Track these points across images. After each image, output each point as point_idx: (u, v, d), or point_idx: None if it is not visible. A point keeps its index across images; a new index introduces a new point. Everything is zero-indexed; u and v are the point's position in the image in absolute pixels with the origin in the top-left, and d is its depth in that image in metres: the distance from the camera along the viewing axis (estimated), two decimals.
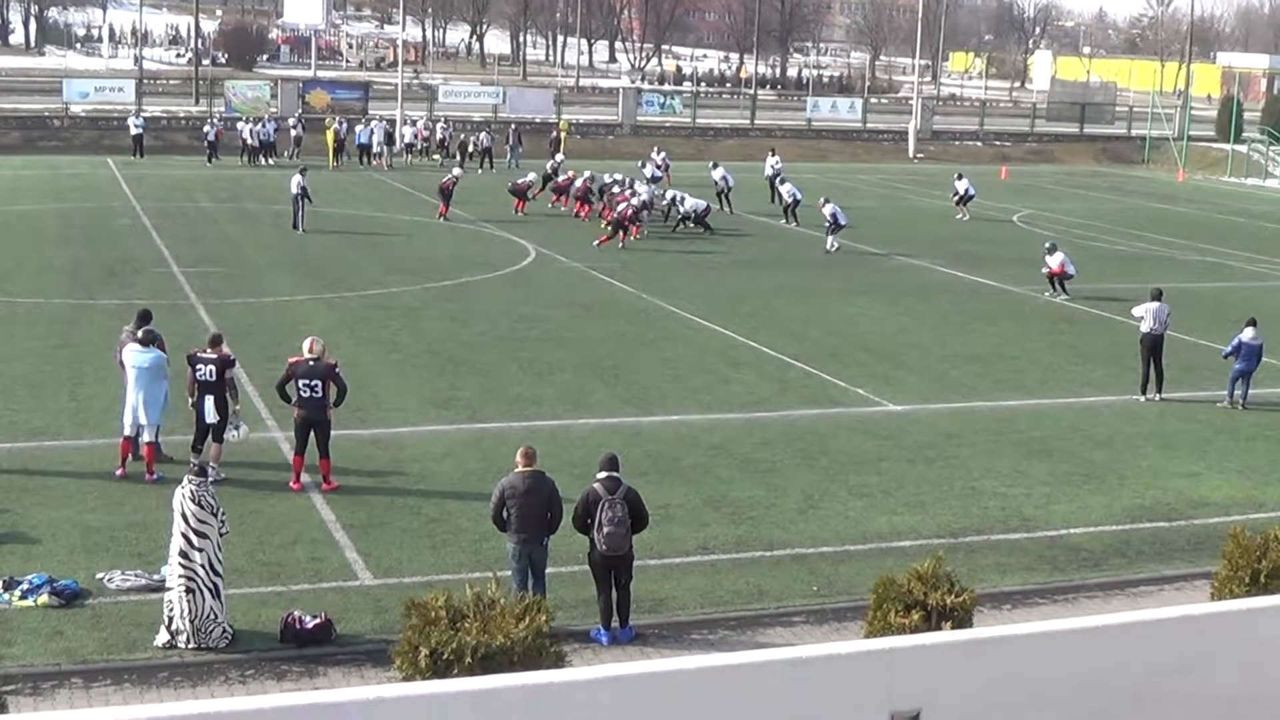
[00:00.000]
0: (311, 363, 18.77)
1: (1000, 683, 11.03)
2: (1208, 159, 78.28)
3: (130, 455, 19.26)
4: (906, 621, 13.24)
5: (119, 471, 19.12)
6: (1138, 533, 18.80)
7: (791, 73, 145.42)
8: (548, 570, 15.16)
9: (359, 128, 63.82)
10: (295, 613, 14.67)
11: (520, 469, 14.88)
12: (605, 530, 14.57)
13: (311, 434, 18.84)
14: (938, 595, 13.45)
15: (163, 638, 14.28)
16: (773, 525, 18.39)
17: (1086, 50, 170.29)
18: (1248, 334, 24.83)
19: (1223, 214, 56.90)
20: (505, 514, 14.82)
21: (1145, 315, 25.85)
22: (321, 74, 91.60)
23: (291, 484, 18.96)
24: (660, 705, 10.23)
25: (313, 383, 18.69)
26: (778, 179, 50.28)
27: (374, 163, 62.08)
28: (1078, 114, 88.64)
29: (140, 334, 19.26)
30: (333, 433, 19.07)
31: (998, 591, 16.51)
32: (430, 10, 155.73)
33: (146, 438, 19.13)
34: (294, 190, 41.90)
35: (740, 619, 15.62)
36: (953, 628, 12.98)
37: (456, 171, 47.76)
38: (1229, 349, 25.21)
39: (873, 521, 18.75)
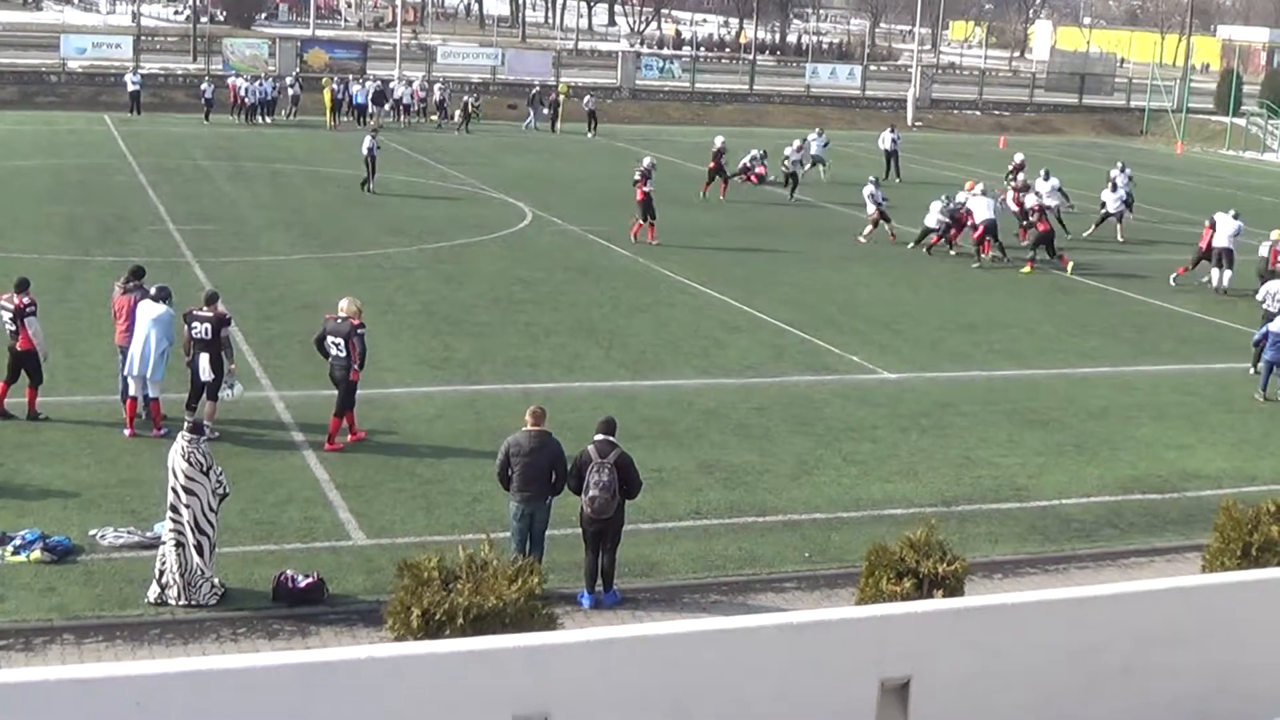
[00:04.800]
0: (339, 320, 19.07)
1: (991, 652, 11.05)
2: (1206, 131, 78.14)
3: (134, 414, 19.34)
4: (898, 589, 13.27)
5: (128, 432, 19.15)
6: (1130, 504, 18.84)
7: (791, 39, 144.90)
8: None
9: (355, 87, 63.80)
10: (288, 572, 14.70)
11: (528, 428, 14.89)
12: (590, 494, 14.58)
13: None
14: (929, 563, 13.48)
15: (154, 591, 14.31)
16: (766, 491, 18.42)
17: (1087, 21, 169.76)
18: (1278, 324, 24.33)
19: (1221, 187, 56.75)
20: (509, 472, 14.84)
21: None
22: (320, 33, 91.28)
23: (326, 446, 19.10)
24: (651, 668, 10.25)
25: (338, 340, 18.93)
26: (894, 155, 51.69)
27: (370, 122, 61.99)
28: (1077, 84, 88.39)
29: (154, 290, 19.33)
30: (329, 392, 19.16)
31: (989, 560, 16.55)
32: None
33: (152, 394, 19.17)
34: (364, 152, 41.95)
35: (732, 584, 15.65)
36: (944, 596, 13.02)
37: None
38: (1257, 336, 24.63)
39: (866, 489, 18.78)
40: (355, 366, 18.97)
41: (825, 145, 51.19)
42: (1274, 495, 16.25)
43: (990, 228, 35.20)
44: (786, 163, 45.65)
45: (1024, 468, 19.99)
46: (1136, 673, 11.41)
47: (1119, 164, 44.44)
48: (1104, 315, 30.30)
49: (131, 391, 19.26)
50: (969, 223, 36.02)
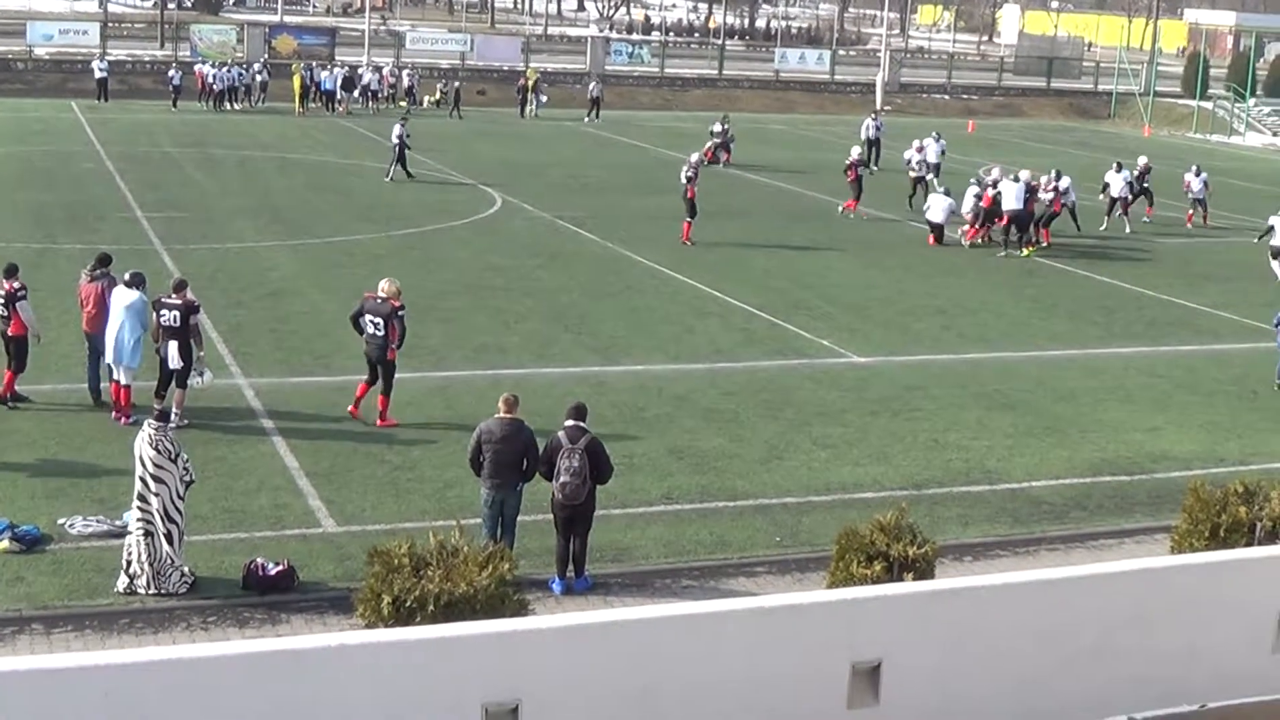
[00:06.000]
0: (379, 301, 19.32)
1: (961, 634, 11.09)
2: (1174, 115, 78.41)
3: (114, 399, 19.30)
4: (869, 572, 13.31)
5: (113, 415, 19.09)
6: (1099, 486, 18.91)
7: (760, 23, 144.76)
8: None
9: (323, 74, 63.59)
10: (258, 559, 14.65)
11: (500, 415, 14.89)
12: (562, 480, 14.58)
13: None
14: (900, 546, 13.53)
15: (122, 581, 14.24)
16: (736, 475, 18.43)
17: (1055, 4, 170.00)
18: None
19: (1188, 170, 56.90)
20: (481, 459, 14.83)
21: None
22: (288, 19, 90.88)
23: (350, 409, 19.53)
24: (622, 654, 10.26)
25: (376, 320, 19.22)
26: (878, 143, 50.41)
27: (339, 109, 61.90)
28: (1045, 68, 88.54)
29: (128, 276, 19.31)
30: (298, 379, 19.10)
31: (959, 543, 16.59)
32: None
33: (124, 380, 19.09)
34: (394, 140, 41.87)
35: (703, 569, 15.66)
36: (914, 579, 13.06)
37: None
38: (1277, 319, 24.19)
39: (836, 473, 18.80)
40: (394, 346, 19.32)
41: (943, 151, 46.26)
42: (1242, 476, 16.37)
43: (1016, 218, 34.43)
44: (912, 168, 42.60)
45: (993, 450, 20.05)
46: (1106, 653, 11.47)
47: (1194, 167, 42.77)
48: (1072, 298, 30.38)
49: (116, 377, 19.19)
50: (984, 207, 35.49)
